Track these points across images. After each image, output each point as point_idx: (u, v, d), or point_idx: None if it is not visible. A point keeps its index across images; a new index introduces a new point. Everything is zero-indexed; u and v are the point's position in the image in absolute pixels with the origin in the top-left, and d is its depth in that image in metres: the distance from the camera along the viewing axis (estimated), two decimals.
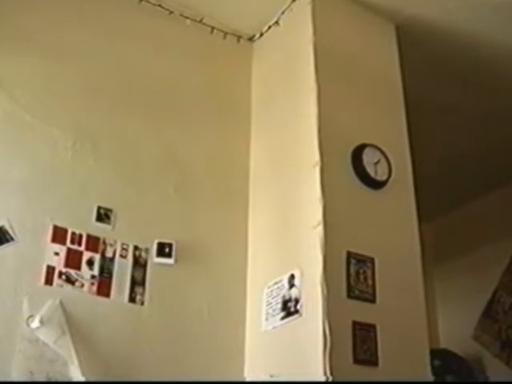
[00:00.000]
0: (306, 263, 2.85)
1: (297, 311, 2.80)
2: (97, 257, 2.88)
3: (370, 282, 2.85)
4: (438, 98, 4.08)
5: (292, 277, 2.89)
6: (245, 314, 3.11)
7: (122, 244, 2.95)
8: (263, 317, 2.99)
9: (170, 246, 3.01)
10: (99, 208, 2.96)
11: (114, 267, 2.89)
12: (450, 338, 4.91)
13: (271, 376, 2.82)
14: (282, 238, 3.09)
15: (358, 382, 2.64)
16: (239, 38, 3.73)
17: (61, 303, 2.71)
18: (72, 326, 2.69)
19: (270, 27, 3.67)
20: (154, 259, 2.99)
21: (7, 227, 2.74)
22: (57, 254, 2.80)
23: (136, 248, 2.98)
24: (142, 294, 2.91)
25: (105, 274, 2.86)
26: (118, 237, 2.96)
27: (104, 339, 2.76)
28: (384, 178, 3.12)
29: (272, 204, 3.23)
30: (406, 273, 3.01)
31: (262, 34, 3.73)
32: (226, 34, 3.67)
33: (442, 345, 4.83)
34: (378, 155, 3.14)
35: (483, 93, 4.07)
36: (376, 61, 3.47)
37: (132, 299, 2.89)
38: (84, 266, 2.84)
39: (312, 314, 2.72)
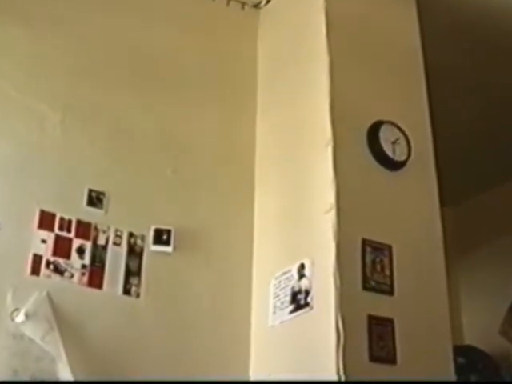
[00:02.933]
0: (317, 251, 2.84)
1: (307, 304, 2.79)
2: (88, 244, 2.87)
3: (387, 272, 2.84)
4: (461, 70, 4.08)
5: (302, 266, 2.88)
6: (250, 307, 3.11)
7: (116, 230, 2.95)
8: (270, 310, 2.98)
9: (168, 232, 3.00)
10: (90, 191, 2.95)
11: (107, 256, 2.89)
12: (475, 333, 4.93)
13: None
14: (290, 223, 3.09)
15: (373, 381, 2.63)
16: (243, 4, 3.72)
17: (48, 295, 2.70)
18: (61, 320, 2.67)
19: None
20: (151, 247, 2.98)
21: None
22: (44, 241, 2.79)
23: (131, 235, 2.97)
24: (138, 286, 2.90)
25: (97, 264, 2.86)
26: (112, 223, 2.95)
27: (96, 335, 2.75)
28: (403, 158, 3.11)
29: (280, 187, 3.22)
30: (426, 262, 3.00)
31: (268, 1, 3.72)
32: None
33: (466, 341, 4.84)
34: (397, 133, 3.13)
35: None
36: (394, 30, 3.45)
37: (126, 291, 2.88)
38: (74, 254, 2.83)
39: (324, 307, 2.71)
